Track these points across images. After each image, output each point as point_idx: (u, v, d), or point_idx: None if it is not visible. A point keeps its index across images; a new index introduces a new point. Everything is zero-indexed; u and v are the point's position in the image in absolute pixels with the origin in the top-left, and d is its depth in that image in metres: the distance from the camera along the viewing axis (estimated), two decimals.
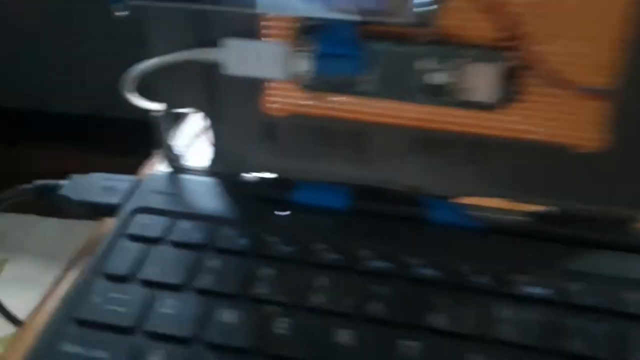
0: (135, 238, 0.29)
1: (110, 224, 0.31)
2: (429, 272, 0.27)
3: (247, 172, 0.32)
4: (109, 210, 0.31)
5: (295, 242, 0.28)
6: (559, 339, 0.24)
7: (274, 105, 0.31)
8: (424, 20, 0.25)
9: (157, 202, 0.30)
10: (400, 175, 0.30)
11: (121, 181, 0.32)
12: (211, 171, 0.33)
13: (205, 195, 0.31)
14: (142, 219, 0.30)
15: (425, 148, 0.30)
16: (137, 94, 0.31)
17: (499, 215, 0.30)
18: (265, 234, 0.28)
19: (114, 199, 0.32)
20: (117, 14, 0.28)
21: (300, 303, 0.26)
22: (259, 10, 0.25)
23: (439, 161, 0.30)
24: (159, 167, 0.34)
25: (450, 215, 0.30)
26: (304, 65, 0.28)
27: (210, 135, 0.32)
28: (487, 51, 0.26)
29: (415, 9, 0.24)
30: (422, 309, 0.25)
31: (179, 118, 0.36)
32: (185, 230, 0.29)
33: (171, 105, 0.32)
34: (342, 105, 0.30)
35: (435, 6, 0.25)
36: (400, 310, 0.25)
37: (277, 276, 0.27)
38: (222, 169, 0.32)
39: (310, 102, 0.30)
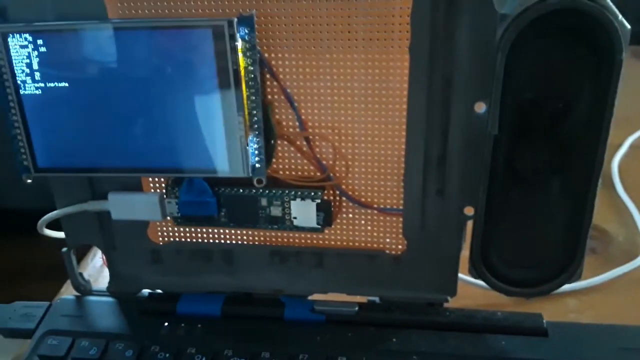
0: (44, 358, 0.36)
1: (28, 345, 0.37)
2: None
3: (140, 290, 0.40)
4: (27, 333, 0.38)
5: (174, 349, 0.36)
6: None
7: (158, 236, 0.39)
8: (257, 173, 0.34)
9: (64, 324, 0.37)
10: (263, 282, 0.38)
11: (38, 307, 0.39)
12: (110, 292, 0.40)
13: (105, 314, 0.39)
14: (50, 340, 0.37)
15: (280, 259, 0.39)
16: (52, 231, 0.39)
17: (337, 307, 0.38)
18: (150, 345, 0.36)
19: (30, 325, 0.38)
20: (26, 181, 0.36)
21: None
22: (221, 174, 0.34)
23: (292, 268, 0.38)
24: (69, 291, 0.41)
25: (301, 312, 0.38)
26: (173, 208, 0.37)
27: (108, 263, 0.40)
28: (306, 190, 0.35)
29: (249, 166, 0.33)
30: None
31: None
32: (84, 347, 0.36)
33: (75, 241, 0.40)
34: (208, 233, 0.38)
35: (263, 162, 0.34)
36: None
37: None
38: (119, 289, 0.40)
39: (183, 233, 0.39)
